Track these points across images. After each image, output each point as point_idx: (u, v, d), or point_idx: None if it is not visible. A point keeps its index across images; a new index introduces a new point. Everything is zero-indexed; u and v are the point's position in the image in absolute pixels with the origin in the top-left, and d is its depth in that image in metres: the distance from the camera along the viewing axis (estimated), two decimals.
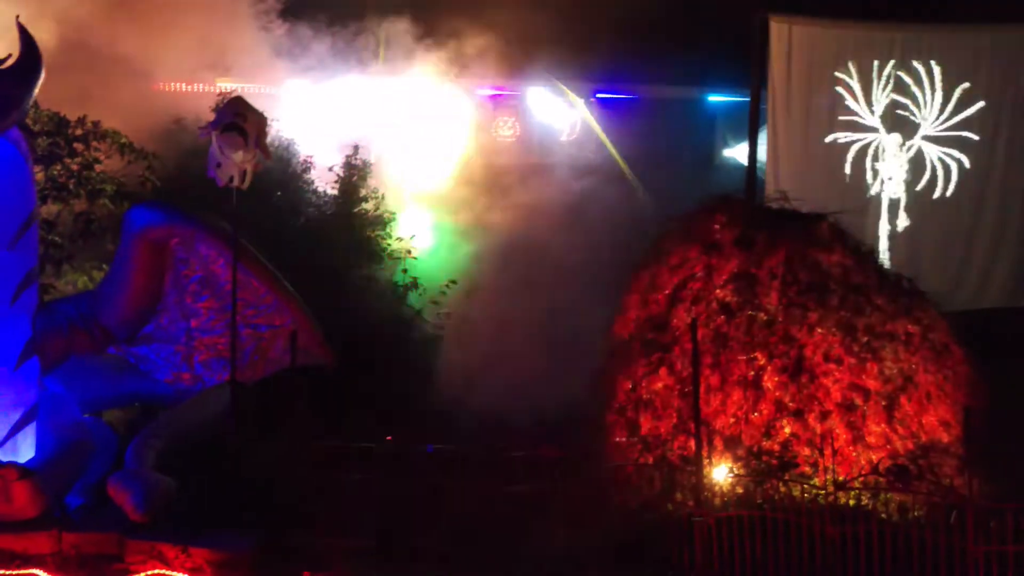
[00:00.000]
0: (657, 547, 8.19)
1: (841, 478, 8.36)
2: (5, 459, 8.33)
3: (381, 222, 13.48)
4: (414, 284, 13.36)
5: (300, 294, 9.95)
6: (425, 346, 13.12)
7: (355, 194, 13.38)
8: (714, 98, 16.16)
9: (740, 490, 8.30)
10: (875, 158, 13.22)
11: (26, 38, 8.48)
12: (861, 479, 8.33)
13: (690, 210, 10.03)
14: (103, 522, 8.44)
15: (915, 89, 13.11)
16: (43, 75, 8.52)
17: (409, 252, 13.48)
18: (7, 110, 8.32)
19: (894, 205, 13.24)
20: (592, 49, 15.04)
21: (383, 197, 13.56)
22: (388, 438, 9.92)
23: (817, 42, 12.84)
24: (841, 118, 13.02)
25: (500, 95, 15.91)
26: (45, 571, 7.93)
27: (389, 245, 13.39)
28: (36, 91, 8.53)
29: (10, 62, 8.41)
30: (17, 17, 8.55)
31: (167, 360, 9.68)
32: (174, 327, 9.69)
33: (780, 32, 12.71)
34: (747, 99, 13.28)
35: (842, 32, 12.93)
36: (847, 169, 13.12)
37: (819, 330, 9.04)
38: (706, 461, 8.51)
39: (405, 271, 13.33)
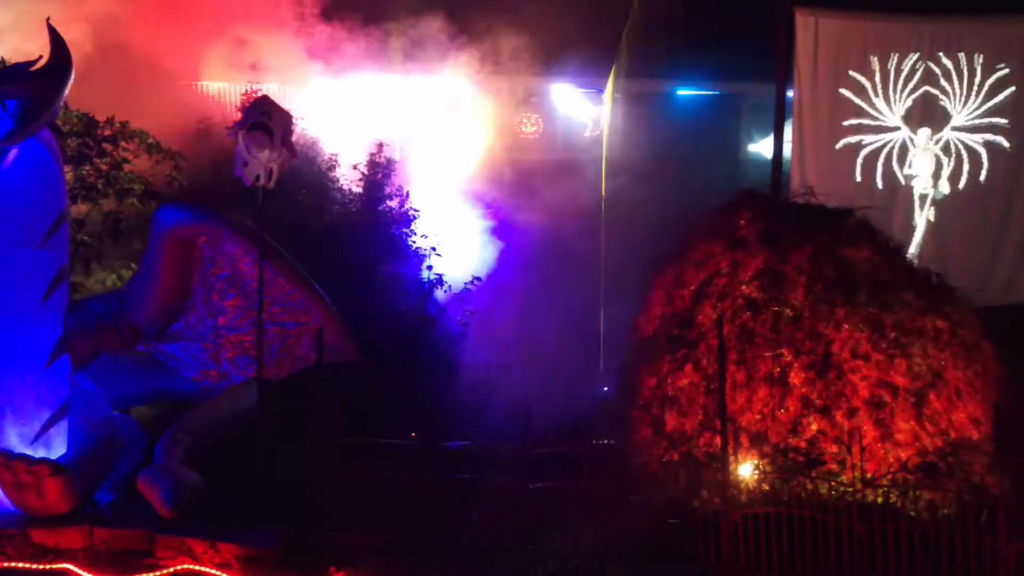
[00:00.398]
0: (683, 544, 8.16)
1: (869, 475, 8.28)
2: (37, 455, 8.43)
3: (406, 219, 13.51)
4: (439, 281, 13.39)
5: (326, 291, 10.01)
6: (450, 343, 13.15)
7: (380, 192, 13.42)
8: (739, 92, 16.05)
9: (767, 487, 8.24)
10: (901, 153, 13.06)
11: (56, 40, 8.57)
12: (889, 477, 8.24)
13: (715, 206, 9.96)
14: (133, 518, 8.54)
15: (944, 81, 12.93)
16: (73, 77, 8.61)
17: (434, 249, 13.51)
18: (38, 111, 8.42)
19: (922, 200, 13.08)
20: (616, 45, 14.99)
21: (408, 194, 13.59)
22: (413, 435, 9.95)
23: (843, 35, 12.69)
24: (866, 111, 12.87)
25: (528, 92, 15.89)
26: (76, 565, 8.04)
27: (414, 242, 13.43)
28: (66, 92, 8.62)
29: (40, 64, 8.50)
30: (48, 19, 8.64)
31: (194, 357, 9.78)
32: (201, 325, 9.79)
33: (806, 25, 12.57)
34: (772, 93, 13.14)
35: (868, 24, 12.77)
36: (874, 164, 12.99)
37: (846, 326, 8.94)
38: (732, 458, 8.46)
39: (430, 268, 13.36)
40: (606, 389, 10.42)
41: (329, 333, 9.45)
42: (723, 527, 8.01)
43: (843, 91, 12.82)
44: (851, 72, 12.80)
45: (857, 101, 12.86)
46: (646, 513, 8.42)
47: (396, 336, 12.16)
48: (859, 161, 12.92)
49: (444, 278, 13.49)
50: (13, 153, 8.58)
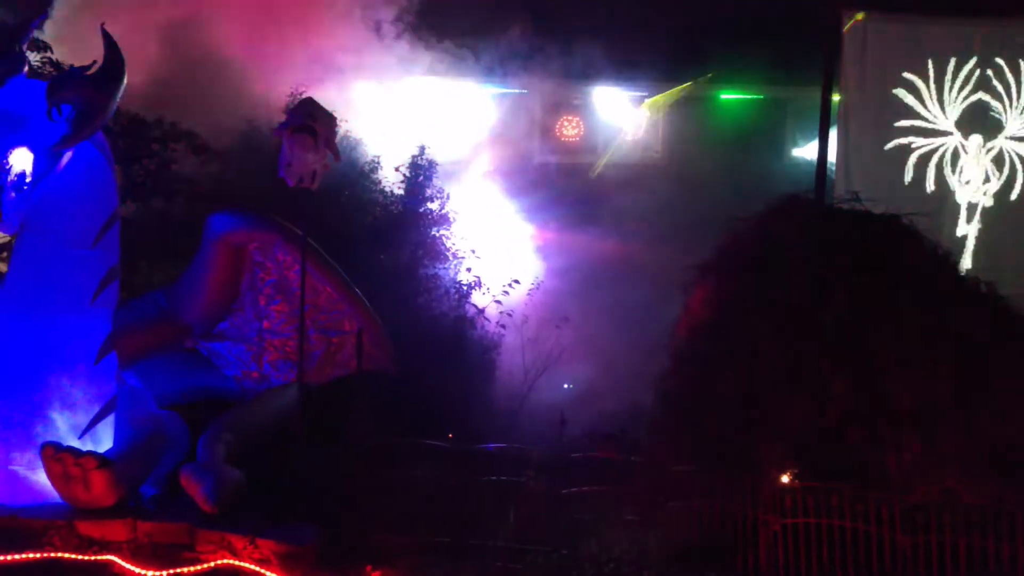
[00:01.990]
0: (720, 552, 8.09)
1: (913, 486, 8.11)
2: (85, 449, 8.63)
3: (445, 221, 13.60)
4: (477, 283, 13.44)
5: (367, 292, 10.12)
6: (487, 344, 13.20)
7: (420, 193, 13.52)
8: (784, 96, 15.85)
9: (808, 496, 8.11)
10: (952, 159, 12.80)
11: (110, 45, 8.76)
12: (935, 488, 8.06)
13: (759, 210, 9.85)
14: (175, 512, 8.69)
15: (999, 86, 12.63)
16: (126, 82, 8.80)
17: (473, 251, 13.57)
18: (92, 115, 8.62)
19: (972, 208, 12.81)
20: (659, 48, 14.91)
21: (448, 196, 13.67)
22: (450, 436, 10.01)
23: (893, 38, 12.50)
24: (917, 117, 12.63)
25: (570, 96, 15.89)
26: (120, 557, 8.21)
27: (453, 244, 13.50)
28: (119, 96, 8.81)
29: (95, 68, 8.71)
30: (102, 24, 8.84)
31: (238, 358, 9.96)
32: (247, 327, 9.97)
33: (854, 28, 12.40)
34: (817, 97, 12.96)
35: (919, 28, 12.56)
36: (924, 169, 12.75)
37: (891, 334, 8.78)
38: (772, 466, 8.35)
39: (469, 269, 13.42)
40: (645, 393, 10.34)
41: (370, 342, 9.57)
42: (762, 536, 7.92)
43: (892, 95, 12.63)
44: (901, 76, 12.59)
45: (907, 105, 12.64)
46: (683, 520, 8.37)
47: (434, 337, 12.25)
48: (908, 167, 12.71)
49: (482, 280, 13.54)
50: (68, 156, 8.81)
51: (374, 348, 9.70)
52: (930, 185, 12.63)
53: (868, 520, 7.68)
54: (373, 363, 9.72)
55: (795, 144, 15.97)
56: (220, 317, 9.99)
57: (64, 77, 8.87)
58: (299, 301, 9.24)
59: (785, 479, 8.46)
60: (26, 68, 8.95)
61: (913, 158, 12.63)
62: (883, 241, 9.29)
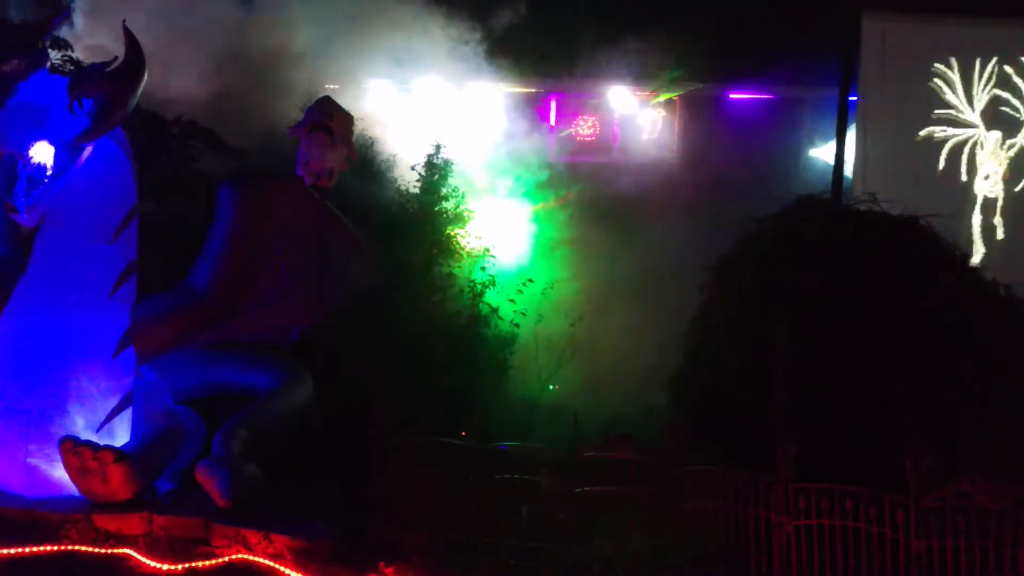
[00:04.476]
0: (733, 553, 8.08)
1: (930, 491, 8.06)
2: (102, 443, 8.70)
3: (461, 220, 13.62)
4: (492, 282, 13.46)
5: (381, 291, 10.18)
6: (501, 343, 13.21)
7: (436, 193, 13.55)
8: (801, 96, 15.77)
9: (822, 498, 8.09)
10: (970, 158, 12.72)
11: (131, 41, 8.84)
12: (952, 490, 8.01)
13: (774, 211, 9.83)
14: (191, 507, 8.74)
15: (1021, 84, 12.54)
16: (146, 77, 8.87)
17: (488, 250, 13.59)
18: (111, 111, 8.70)
19: (990, 205, 12.71)
20: (675, 47, 14.88)
21: (463, 196, 13.69)
22: (463, 434, 10.03)
23: (912, 38, 12.42)
24: (937, 112, 12.54)
25: (585, 95, 15.89)
26: (136, 551, 8.24)
27: (468, 243, 13.52)
28: (140, 92, 8.89)
29: (115, 64, 8.78)
30: (123, 21, 8.91)
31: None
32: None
33: (873, 27, 12.33)
34: (834, 97, 12.92)
35: (939, 27, 12.47)
36: (941, 166, 12.66)
37: (908, 336, 8.75)
38: (786, 467, 8.32)
39: (484, 268, 13.43)
40: (659, 393, 10.34)
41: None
42: (775, 538, 7.90)
43: (910, 94, 12.55)
44: (920, 75, 12.52)
45: (926, 104, 12.57)
46: (696, 521, 8.36)
47: (448, 335, 12.27)
48: (925, 166, 12.63)
49: (497, 279, 13.56)
50: (88, 151, 8.89)
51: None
52: (948, 184, 12.51)
53: (883, 523, 7.64)
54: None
55: (811, 144, 15.90)
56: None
57: (86, 72, 8.96)
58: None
59: (799, 481, 8.43)
60: (48, 63, 9.02)
61: (932, 156, 12.55)
62: (900, 243, 9.26)
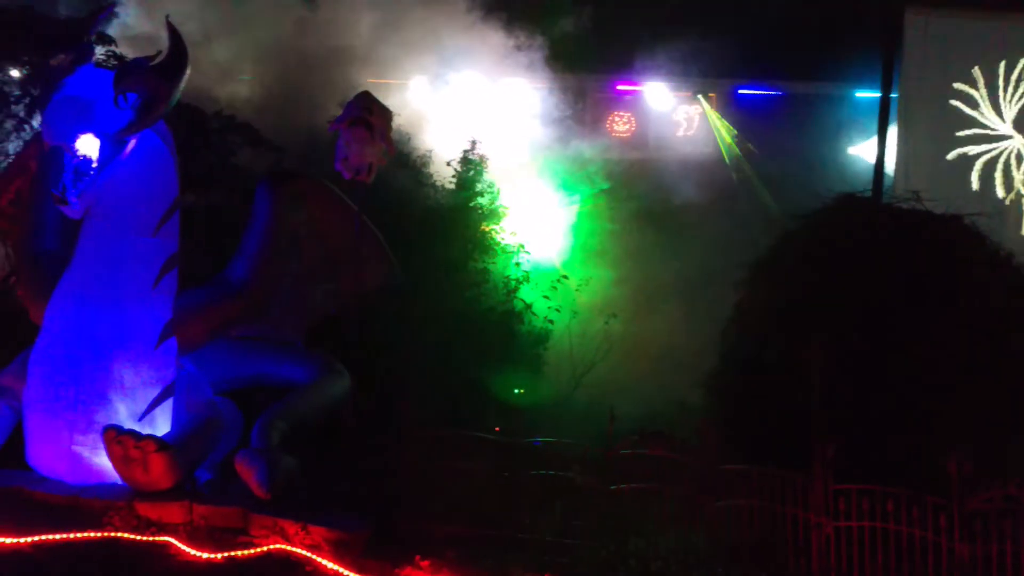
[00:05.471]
0: (771, 554, 8.01)
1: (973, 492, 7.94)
2: (144, 432, 8.82)
3: (495, 216, 13.64)
4: (526, 278, 13.47)
5: (418, 286, 10.23)
6: (535, 339, 13.23)
7: (471, 188, 13.58)
8: (840, 94, 15.60)
9: (863, 499, 8.00)
10: (1010, 162, 12.49)
11: (174, 36, 8.94)
12: (999, 493, 7.87)
13: (814, 210, 9.72)
14: (230, 496, 8.83)
15: None
16: (189, 72, 8.97)
17: (523, 246, 13.60)
18: (155, 105, 8.80)
19: None
20: (712, 45, 14.78)
21: (498, 191, 13.71)
22: (496, 429, 10.05)
23: (956, 35, 12.21)
24: (980, 113, 12.33)
25: (621, 91, 15.83)
26: (177, 539, 8.35)
27: (503, 239, 13.54)
28: (182, 87, 8.99)
29: (159, 58, 8.89)
30: (167, 16, 9.02)
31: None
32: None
33: (915, 24, 12.13)
34: (874, 94, 12.73)
35: (985, 24, 12.24)
36: (985, 169, 12.46)
37: (952, 337, 8.62)
38: (826, 468, 8.24)
39: (518, 264, 13.44)
40: (694, 391, 10.29)
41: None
42: (814, 539, 7.82)
43: (952, 93, 12.35)
44: (962, 75, 12.31)
45: (971, 103, 12.35)
46: (732, 520, 8.30)
47: (483, 330, 12.31)
48: (971, 165, 12.43)
49: (531, 275, 13.57)
50: (132, 144, 9.01)
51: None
52: (991, 185, 12.31)
53: (925, 526, 7.54)
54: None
55: (850, 142, 15.71)
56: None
57: (130, 66, 9.06)
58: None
59: (834, 481, 8.33)
60: (94, 58, 9.15)
61: (974, 157, 12.33)
62: (943, 242, 9.12)
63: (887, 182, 12.27)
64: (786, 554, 7.93)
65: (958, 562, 7.39)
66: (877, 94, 12.72)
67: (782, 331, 9.11)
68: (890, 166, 12.79)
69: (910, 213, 9.45)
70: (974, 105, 12.31)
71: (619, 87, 15.92)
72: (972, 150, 12.22)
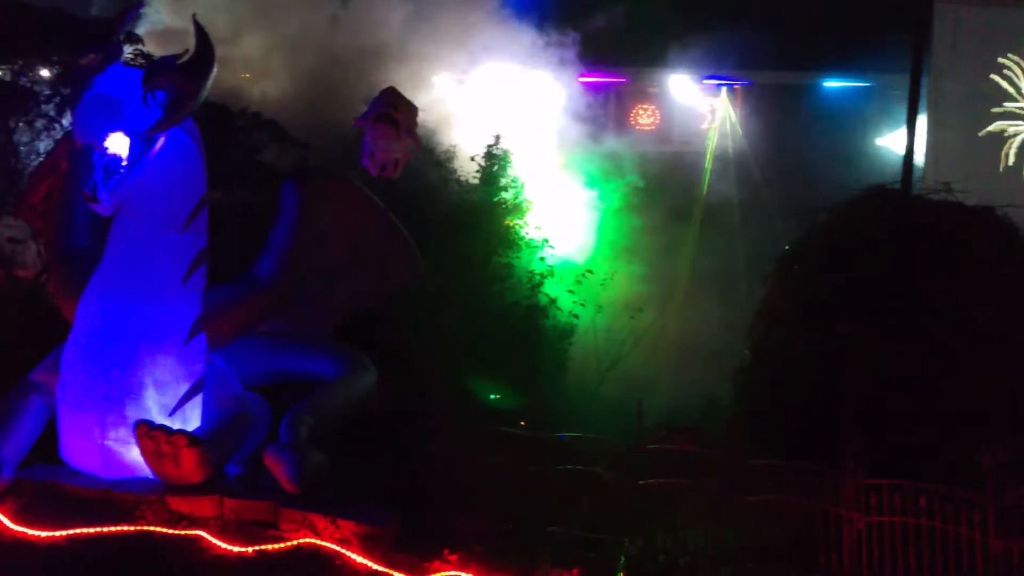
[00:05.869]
0: (800, 549, 7.96)
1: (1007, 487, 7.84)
2: (175, 427, 8.89)
3: (519, 211, 13.63)
4: (551, 272, 13.45)
5: (443, 280, 10.23)
6: (560, 333, 13.21)
7: (496, 183, 13.57)
8: (868, 85, 15.42)
9: (895, 494, 7.93)
10: None
11: (201, 34, 8.98)
12: None
13: (842, 201, 9.62)
14: (260, 491, 8.87)
15: None
16: (215, 70, 9.01)
17: (547, 240, 13.58)
18: (182, 102, 8.84)
19: None
20: (736, 37, 14.66)
21: (522, 186, 13.69)
22: (522, 424, 10.05)
23: (987, 24, 12.03)
24: (1013, 101, 12.14)
25: (642, 84, 15.76)
26: (208, 533, 8.42)
27: (527, 234, 13.52)
28: (209, 84, 9.03)
29: (186, 57, 8.93)
30: (194, 15, 9.06)
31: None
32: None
33: (945, 13, 11.97)
34: (901, 85, 12.56)
35: (1016, 11, 12.05)
36: (1012, 153, 12.25)
37: (987, 330, 8.50)
38: (857, 464, 8.17)
39: (542, 259, 13.42)
40: (721, 386, 10.23)
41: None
42: (845, 534, 7.76)
43: (983, 83, 12.16)
44: (993, 64, 12.12)
45: (1003, 92, 12.16)
46: (761, 515, 8.26)
47: (507, 325, 12.31)
48: (1003, 155, 12.23)
49: (555, 270, 13.54)
50: (160, 141, 9.06)
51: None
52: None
53: (959, 522, 7.45)
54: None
55: (878, 133, 15.53)
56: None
57: (158, 65, 9.11)
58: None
59: (864, 476, 8.26)
60: (123, 57, 9.21)
61: (1008, 147, 12.14)
62: (975, 233, 9.00)
63: (916, 173, 12.11)
64: (817, 550, 7.86)
65: (992, 557, 7.29)
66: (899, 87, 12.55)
67: (811, 325, 9.04)
68: (919, 157, 12.62)
69: (941, 205, 9.33)
70: (1005, 93, 12.12)
71: (644, 80, 15.85)
72: (1008, 129, 12.03)
